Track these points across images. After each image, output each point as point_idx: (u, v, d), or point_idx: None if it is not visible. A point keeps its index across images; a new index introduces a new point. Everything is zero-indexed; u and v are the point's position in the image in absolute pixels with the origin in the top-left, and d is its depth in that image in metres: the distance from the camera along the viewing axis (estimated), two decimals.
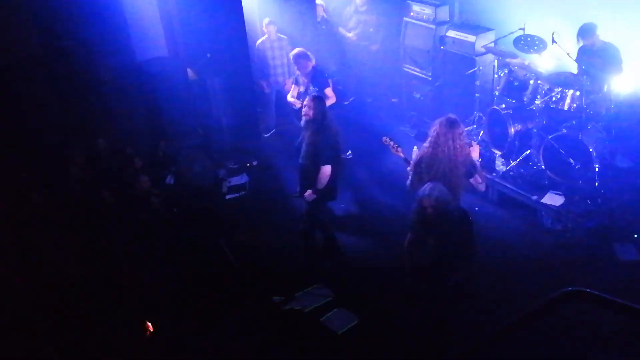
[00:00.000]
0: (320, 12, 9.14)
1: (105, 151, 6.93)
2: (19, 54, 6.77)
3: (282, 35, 8.51)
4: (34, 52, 6.90)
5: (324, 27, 9.18)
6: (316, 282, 5.85)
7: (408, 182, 5.14)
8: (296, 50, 7.18)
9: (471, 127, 7.51)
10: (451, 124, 4.70)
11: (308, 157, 5.32)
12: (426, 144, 4.87)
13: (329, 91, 6.96)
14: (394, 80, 9.37)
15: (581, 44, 6.41)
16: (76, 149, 6.62)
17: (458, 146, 4.71)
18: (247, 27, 8.42)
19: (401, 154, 5.21)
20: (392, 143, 5.27)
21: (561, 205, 6.17)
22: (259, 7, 9.16)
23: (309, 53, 7.12)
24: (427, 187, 4.06)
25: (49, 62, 7.11)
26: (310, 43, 8.89)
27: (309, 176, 5.39)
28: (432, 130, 4.82)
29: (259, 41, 8.54)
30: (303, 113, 5.30)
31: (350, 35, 9.31)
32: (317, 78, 7.09)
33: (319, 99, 5.32)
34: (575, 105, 6.34)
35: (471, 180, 4.91)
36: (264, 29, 8.47)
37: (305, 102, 5.31)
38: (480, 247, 6.21)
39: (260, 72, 8.68)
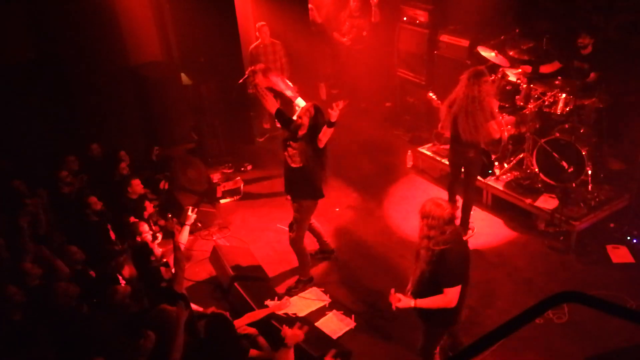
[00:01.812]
0: (312, 15, 9.17)
1: (99, 156, 6.92)
2: (13, 58, 6.77)
3: (275, 40, 8.52)
4: (28, 57, 6.90)
5: (314, 30, 9.21)
6: (311, 286, 5.86)
7: (440, 125, 6.11)
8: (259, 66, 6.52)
9: None
10: (478, 74, 5.58)
11: (305, 162, 5.33)
12: (457, 89, 5.74)
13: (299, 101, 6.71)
14: (388, 85, 9.41)
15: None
16: (69, 153, 6.61)
17: (482, 93, 5.53)
18: (240, 32, 8.43)
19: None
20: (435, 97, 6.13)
21: (555, 209, 6.20)
22: (253, 12, 9.18)
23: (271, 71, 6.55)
24: (433, 198, 3.93)
25: (43, 66, 7.11)
26: (304, 46, 8.92)
27: (302, 180, 5.41)
28: (462, 78, 5.67)
29: (253, 45, 8.54)
30: (298, 116, 5.29)
31: (344, 40, 9.35)
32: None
33: (317, 107, 5.33)
34: (568, 109, 6.39)
35: (490, 122, 5.67)
36: (257, 33, 8.46)
37: (304, 107, 5.31)
38: (473, 250, 6.28)
39: None
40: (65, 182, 6.22)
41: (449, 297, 3.81)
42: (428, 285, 3.86)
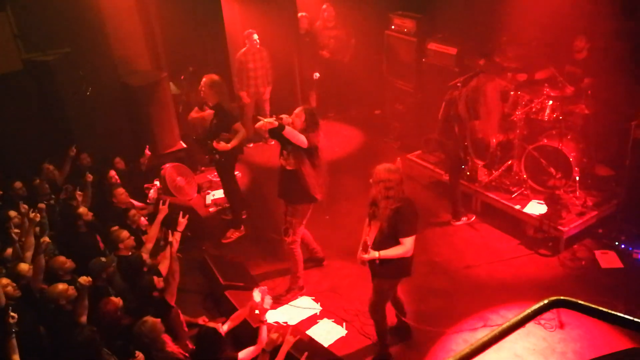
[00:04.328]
0: (304, 24, 9.19)
1: (89, 165, 6.88)
2: (1, 68, 6.72)
3: (262, 47, 8.59)
4: (17, 67, 6.86)
5: (307, 39, 9.23)
6: (302, 294, 5.84)
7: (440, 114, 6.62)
8: (212, 77, 6.36)
9: None
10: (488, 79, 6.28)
11: (299, 166, 5.38)
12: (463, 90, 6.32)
13: (237, 126, 6.45)
14: (377, 92, 9.44)
15: None
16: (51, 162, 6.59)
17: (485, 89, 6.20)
18: (228, 40, 8.44)
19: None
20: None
21: (543, 214, 6.24)
22: (242, 20, 9.20)
23: (219, 84, 6.39)
24: (383, 164, 4.43)
25: (32, 76, 7.06)
26: (293, 54, 8.95)
27: (296, 183, 5.44)
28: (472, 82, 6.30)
29: (240, 52, 8.57)
30: (291, 121, 5.33)
31: (323, 52, 9.37)
32: (221, 114, 6.44)
33: (308, 111, 5.36)
34: (554, 115, 6.45)
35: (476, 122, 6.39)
36: (245, 40, 8.51)
37: (294, 112, 5.36)
38: (463, 256, 6.30)
39: (239, 82, 8.70)
40: (42, 194, 6.18)
41: (407, 245, 4.38)
42: (387, 240, 4.40)
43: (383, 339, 4.96)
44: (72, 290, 4.43)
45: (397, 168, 4.42)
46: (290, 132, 5.13)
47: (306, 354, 4.27)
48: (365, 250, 4.42)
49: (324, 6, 9.25)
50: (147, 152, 7.36)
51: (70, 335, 4.15)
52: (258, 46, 8.52)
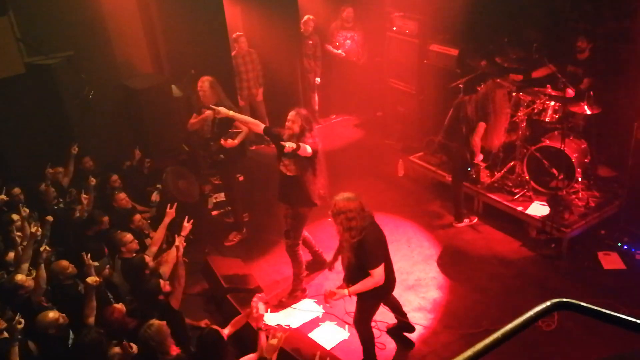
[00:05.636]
0: (310, 26, 9.21)
1: (92, 169, 6.89)
2: (4, 72, 6.74)
3: (251, 49, 8.64)
4: (19, 70, 6.88)
5: (310, 42, 9.24)
6: (304, 297, 5.83)
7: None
8: (208, 78, 6.38)
9: None
10: (497, 85, 6.29)
11: (300, 171, 5.38)
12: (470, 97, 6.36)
13: (237, 124, 6.34)
14: (379, 94, 9.45)
15: None
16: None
17: (496, 97, 6.17)
18: (231, 42, 8.47)
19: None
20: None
21: (546, 216, 6.23)
22: (243, 23, 9.22)
23: (217, 84, 6.41)
24: (341, 194, 4.35)
25: (34, 80, 7.08)
26: (294, 57, 8.96)
27: (297, 188, 5.44)
28: (482, 87, 6.40)
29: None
30: (286, 127, 5.33)
31: (338, 52, 9.40)
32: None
33: (303, 115, 5.35)
34: (556, 116, 6.44)
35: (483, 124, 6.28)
36: (234, 43, 8.55)
37: (289, 117, 5.35)
38: (466, 258, 6.29)
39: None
40: (50, 198, 6.18)
41: (376, 277, 4.29)
42: (357, 271, 4.35)
43: (369, 355, 4.85)
44: (62, 319, 4.33)
45: (355, 196, 4.31)
46: (303, 149, 5.17)
47: (319, 353, 4.28)
48: (330, 295, 4.37)
49: (343, 8, 9.29)
50: (137, 152, 7.38)
51: (75, 340, 4.16)
52: (246, 49, 8.59)
